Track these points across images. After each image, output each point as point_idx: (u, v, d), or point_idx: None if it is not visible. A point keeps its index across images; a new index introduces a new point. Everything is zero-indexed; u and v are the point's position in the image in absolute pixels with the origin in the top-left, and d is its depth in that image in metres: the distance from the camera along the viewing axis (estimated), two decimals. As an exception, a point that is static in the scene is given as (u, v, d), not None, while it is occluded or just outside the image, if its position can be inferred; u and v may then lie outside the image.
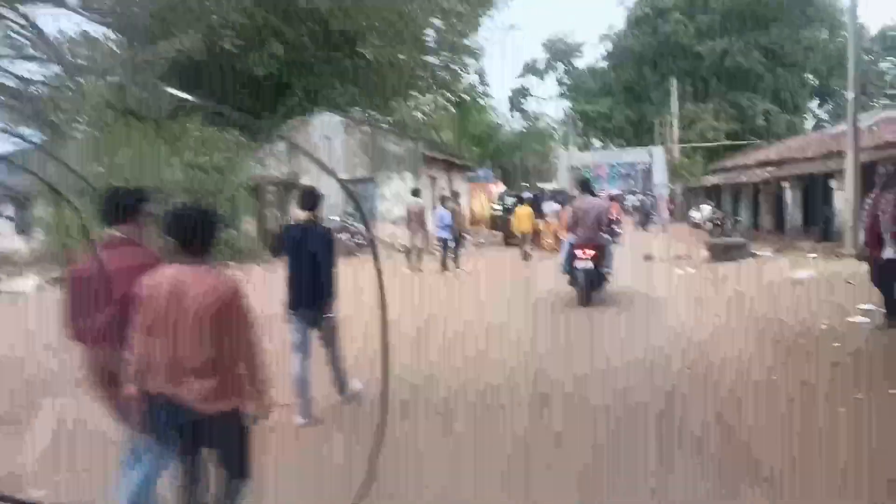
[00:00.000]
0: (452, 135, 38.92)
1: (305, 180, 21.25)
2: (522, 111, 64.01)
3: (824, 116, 53.60)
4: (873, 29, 51.66)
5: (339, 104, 26.64)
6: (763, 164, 22.77)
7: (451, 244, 14.89)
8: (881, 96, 49.03)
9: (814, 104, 55.22)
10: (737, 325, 7.77)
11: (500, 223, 23.77)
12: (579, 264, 9.53)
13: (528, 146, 66.56)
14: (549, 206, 19.37)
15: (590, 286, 9.59)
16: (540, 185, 35.39)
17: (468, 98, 34.73)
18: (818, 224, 17.98)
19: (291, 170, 21.01)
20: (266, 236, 21.71)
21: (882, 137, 15.66)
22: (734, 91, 45.78)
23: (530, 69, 61.10)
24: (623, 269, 11.10)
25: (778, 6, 44.67)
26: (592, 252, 9.49)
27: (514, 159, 64.66)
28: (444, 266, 14.64)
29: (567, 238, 10.15)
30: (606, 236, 10.13)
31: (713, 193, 28.25)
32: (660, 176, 32.84)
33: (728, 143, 38.16)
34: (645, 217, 27.50)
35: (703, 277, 12.24)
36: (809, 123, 52.08)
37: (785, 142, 28.22)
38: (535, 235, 18.82)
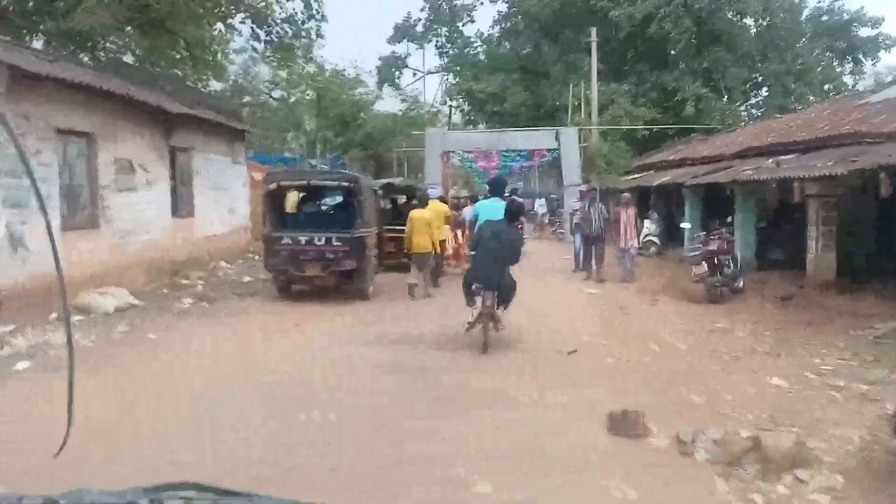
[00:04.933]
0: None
1: None
2: (396, 86, 51.96)
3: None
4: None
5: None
6: (783, 149, 11.86)
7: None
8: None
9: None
10: None
11: (268, 246, 11.78)
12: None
13: (404, 131, 54.20)
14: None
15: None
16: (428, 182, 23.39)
17: (287, 32, 22.05)
18: None
19: None
20: None
21: None
22: (658, 70, 35.90)
23: (406, 33, 49.05)
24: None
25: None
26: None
27: (389, 148, 51.97)
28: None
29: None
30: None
31: (659, 201, 17.42)
32: (573, 171, 21.79)
33: (687, 125, 27.99)
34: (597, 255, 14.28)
35: None
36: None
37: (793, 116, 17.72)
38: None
